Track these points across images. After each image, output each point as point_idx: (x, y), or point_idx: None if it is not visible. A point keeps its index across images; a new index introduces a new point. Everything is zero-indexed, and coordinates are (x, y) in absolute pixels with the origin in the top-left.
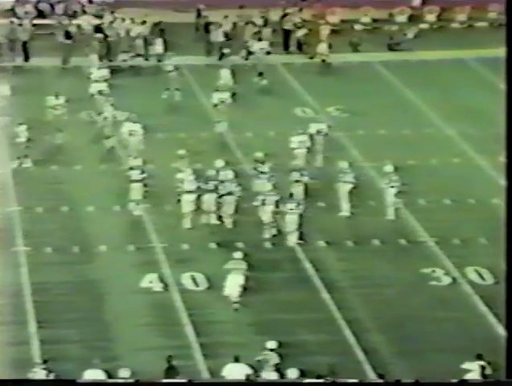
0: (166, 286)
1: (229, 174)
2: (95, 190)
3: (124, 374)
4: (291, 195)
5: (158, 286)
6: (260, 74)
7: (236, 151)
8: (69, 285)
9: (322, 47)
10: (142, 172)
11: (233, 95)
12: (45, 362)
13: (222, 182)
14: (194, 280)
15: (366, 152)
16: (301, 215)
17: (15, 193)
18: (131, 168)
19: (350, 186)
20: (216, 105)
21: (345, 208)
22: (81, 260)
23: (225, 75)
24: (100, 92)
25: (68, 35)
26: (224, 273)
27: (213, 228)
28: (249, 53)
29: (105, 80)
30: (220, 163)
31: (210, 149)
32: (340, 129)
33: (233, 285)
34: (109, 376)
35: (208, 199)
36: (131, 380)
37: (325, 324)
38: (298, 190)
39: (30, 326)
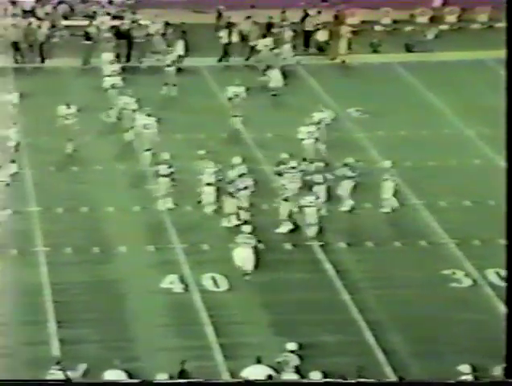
0: (186, 287)
1: (242, 169)
2: (115, 191)
3: (161, 377)
4: (311, 188)
5: (178, 287)
6: (265, 71)
7: (256, 151)
8: (89, 285)
9: (342, 48)
10: (170, 166)
11: (248, 90)
12: (58, 363)
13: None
14: (214, 281)
15: (386, 153)
16: (319, 210)
17: (35, 193)
18: (158, 163)
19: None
20: (230, 99)
21: (389, 203)
22: (101, 261)
23: (276, 75)
24: (113, 86)
25: (87, 36)
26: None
27: (234, 229)
28: (253, 50)
29: (119, 74)
30: (237, 160)
31: (229, 148)
32: (360, 130)
33: (242, 257)
34: (130, 377)
35: (229, 201)
36: (132, 380)
37: (345, 325)
38: (319, 189)
39: (50, 325)
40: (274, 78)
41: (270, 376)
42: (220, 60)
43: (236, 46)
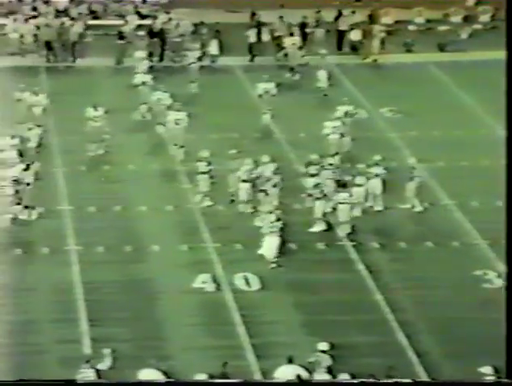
0: (218, 286)
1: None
2: (147, 190)
3: (200, 377)
4: (345, 185)
5: (210, 287)
6: (292, 69)
7: (287, 150)
8: (121, 284)
9: (374, 48)
10: (209, 164)
11: (278, 85)
12: (88, 361)
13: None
14: (247, 280)
15: (419, 153)
16: (352, 207)
17: (67, 192)
18: (199, 160)
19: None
20: (260, 96)
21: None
22: (133, 260)
23: (322, 75)
24: (143, 83)
25: (121, 36)
26: (276, 273)
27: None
28: (282, 49)
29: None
30: (265, 159)
31: (260, 147)
32: (393, 130)
33: (269, 246)
34: (167, 376)
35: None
36: (132, 380)
37: (377, 325)
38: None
39: (82, 324)
40: (322, 78)
41: (299, 376)
42: (251, 60)
43: (268, 45)
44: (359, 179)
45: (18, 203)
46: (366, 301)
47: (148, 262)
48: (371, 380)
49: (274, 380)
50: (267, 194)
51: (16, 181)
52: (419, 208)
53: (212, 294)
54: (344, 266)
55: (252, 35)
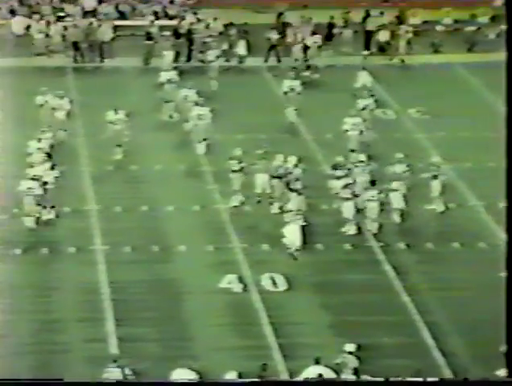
0: (245, 287)
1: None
2: (174, 190)
3: (231, 376)
4: (374, 182)
5: (237, 287)
6: (308, 67)
7: (316, 151)
8: (148, 283)
9: (402, 48)
10: (240, 162)
11: (304, 83)
12: (115, 361)
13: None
14: (273, 281)
15: (447, 153)
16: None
17: (94, 192)
18: (231, 158)
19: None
20: (286, 93)
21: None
22: (160, 260)
23: (363, 76)
24: (169, 81)
25: (148, 36)
26: (303, 273)
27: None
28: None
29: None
30: (293, 160)
31: (286, 147)
32: (421, 131)
33: (291, 234)
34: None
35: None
36: (132, 380)
37: (404, 327)
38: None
39: (108, 323)
40: (362, 78)
41: (320, 375)
42: (278, 61)
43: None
44: (395, 184)
45: (39, 204)
46: (393, 303)
47: (175, 262)
48: (371, 380)
49: (273, 380)
50: (300, 193)
51: (38, 180)
52: (441, 209)
53: (238, 295)
54: (371, 267)
55: (273, 37)
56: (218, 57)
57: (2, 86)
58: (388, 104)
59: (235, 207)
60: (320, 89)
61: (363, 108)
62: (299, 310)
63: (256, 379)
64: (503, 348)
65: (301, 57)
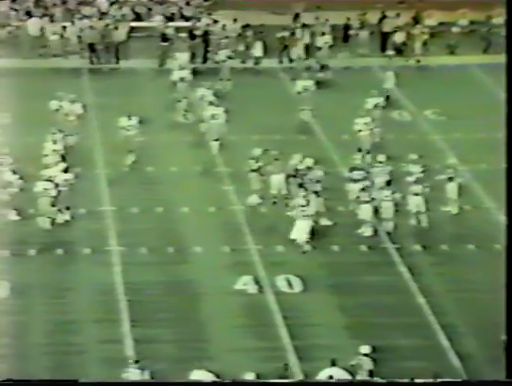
0: (261, 288)
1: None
2: (190, 192)
3: (249, 376)
4: (389, 182)
5: (253, 288)
6: (322, 67)
7: (332, 152)
8: (163, 285)
9: (417, 49)
10: (257, 161)
11: (318, 83)
12: (137, 362)
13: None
14: (289, 282)
15: (463, 155)
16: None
17: (109, 193)
18: (252, 158)
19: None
20: (299, 93)
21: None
22: (176, 261)
23: (390, 77)
24: (182, 79)
25: (164, 38)
26: (318, 275)
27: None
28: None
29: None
30: (309, 162)
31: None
32: (437, 132)
33: (300, 230)
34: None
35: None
36: (132, 380)
37: (420, 328)
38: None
39: (124, 324)
40: (389, 79)
41: (331, 377)
42: (290, 61)
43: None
44: (415, 188)
45: (54, 205)
46: (409, 304)
47: (190, 263)
48: (371, 380)
49: (273, 380)
50: (318, 195)
51: (53, 182)
52: (455, 210)
53: (254, 296)
54: (386, 269)
55: (286, 38)
56: (229, 57)
57: (17, 87)
58: (404, 106)
59: (252, 206)
60: (335, 90)
61: (374, 107)
62: (315, 311)
63: (256, 380)
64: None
65: (302, 56)
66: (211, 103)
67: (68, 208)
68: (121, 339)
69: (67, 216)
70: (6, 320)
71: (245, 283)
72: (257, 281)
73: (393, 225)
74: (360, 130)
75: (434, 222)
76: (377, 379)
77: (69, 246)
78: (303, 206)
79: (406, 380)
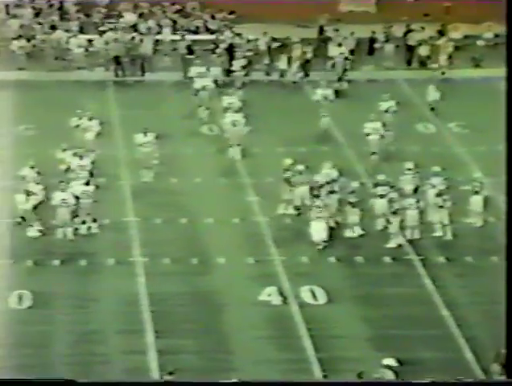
0: (285, 299)
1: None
2: (214, 203)
3: None
4: (416, 190)
5: (277, 299)
6: (339, 79)
7: (355, 163)
8: (187, 295)
9: (442, 61)
10: (288, 170)
11: (336, 92)
12: (171, 373)
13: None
14: (313, 293)
15: (486, 167)
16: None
17: (133, 204)
18: (286, 168)
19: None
20: (318, 101)
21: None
22: (200, 272)
23: (432, 90)
24: (204, 88)
25: (190, 50)
26: (343, 286)
27: (333, 242)
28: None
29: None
30: (327, 166)
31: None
32: (461, 145)
33: (318, 230)
34: None
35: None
36: (132, 381)
37: (444, 341)
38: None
39: (148, 335)
40: (431, 92)
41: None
42: (306, 75)
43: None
44: (438, 200)
45: (76, 216)
46: (433, 316)
47: (214, 274)
48: (371, 380)
49: (275, 380)
50: (354, 206)
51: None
52: (479, 223)
53: (278, 307)
54: (410, 280)
55: (309, 52)
56: (244, 67)
57: (42, 99)
58: (428, 118)
59: (281, 215)
60: (353, 100)
61: (386, 111)
62: (339, 322)
63: (257, 380)
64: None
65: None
66: (228, 109)
67: (94, 220)
68: (144, 350)
69: (93, 228)
70: (30, 330)
71: (269, 294)
72: (281, 293)
73: (418, 233)
74: (368, 134)
75: (458, 234)
76: (377, 379)
77: (93, 257)
78: (318, 207)
79: (406, 380)
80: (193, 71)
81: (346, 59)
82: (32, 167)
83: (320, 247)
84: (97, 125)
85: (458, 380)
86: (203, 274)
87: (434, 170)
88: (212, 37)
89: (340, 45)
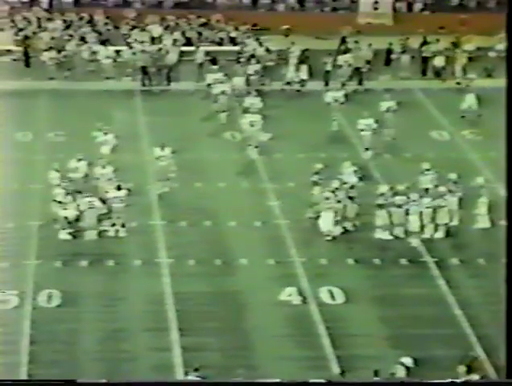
0: (304, 299)
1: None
2: (237, 207)
3: None
4: (427, 190)
5: (297, 299)
6: (343, 85)
7: (372, 169)
8: (210, 295)
9: (457, 72)
10: (317, 173)
11: (346, 96)
12: (196, 370)
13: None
14: (331, 294)
15: (498, 173)
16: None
17: (159, 208)
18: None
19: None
20: (329, 104)
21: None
22: (223, 273)
23: (470, 99)
24: (223, 93)
25: (213, 61)
26: (360, 287)
27: (352, 244)
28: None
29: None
30: (348, 166)
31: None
32: (474, 152)
33: (326, 221)
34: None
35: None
36: (132, 381)
37: (457, 340)
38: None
39: (173, 333)
40: (469, 101)
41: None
42: (326, 84)
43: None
44: (447, 201)
45: (109, 218)
46: (447, 316)
47: (237, 275)
48: (371, 381)
49: (273, 380)
50: (382, 207)
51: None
52: (487, 225)
53: (298, 307)
54: (425, 282)
55: (329, 63)
56: (257, 72)
57: (72, 107)
58: (443, 126)
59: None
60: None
61: (387, 110)
62: (357, 322)
63: (258, 380)
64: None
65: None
66: (248, 109)
67: (123, 225)
68: (169, 347)
69: (121, 232)
70: (60, 327)
71: (289, 294)
72: (300, 293)
73: (433, 231)
74: (362, 130)
75: (471, 236)
76: (377, 379)
77: (120, 258)
78: (327, 199)
79: (407, 381)
80: (209, 77)
81: (350, 66)
82: (57, 171)
83: (329, 238)
84: (112, 139)
85: (458, 380)
86: (226, 275)
87: (449, 176)
88: (236, 48)
89: (344, 53)
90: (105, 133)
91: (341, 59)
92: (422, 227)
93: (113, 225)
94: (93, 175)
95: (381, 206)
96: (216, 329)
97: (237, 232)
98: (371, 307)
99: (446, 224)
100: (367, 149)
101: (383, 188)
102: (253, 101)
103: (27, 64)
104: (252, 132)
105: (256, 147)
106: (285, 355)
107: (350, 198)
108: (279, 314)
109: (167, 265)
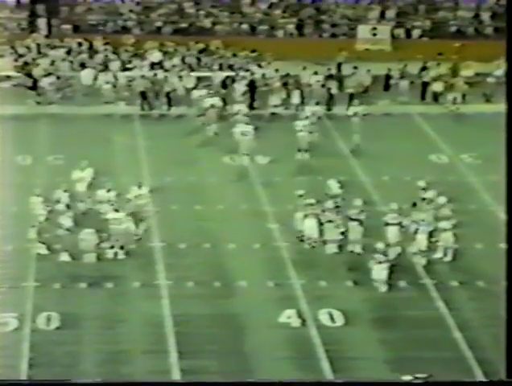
0: (303, 322)
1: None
2: (236, 229)
3: None
4: (415, 204)
5: (296, 322)
6: (317, 103)
7: (372, 192)
8: (210, 317)
9: (456, 98)
10: (335, 198)
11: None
12: None
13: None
14: (331, 316)
15: (498, 196)
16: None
17: (159, 230)
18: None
19: None
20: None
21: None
22: (222, 295)
23: None
24: (212, 106)
25: (224, 85)
26: (360, 309)
27: (351, 264)
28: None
29: None
30: (358, 202)
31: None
32: (473, 175)
33: (309, 227)
34: None
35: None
36: (131, 381)
37: (457, 363)
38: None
39: (172, 355)
40: None
41: None
42: (328, 110)
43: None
44: (445, 224)
45: (100, 242)
46: (446, 339)
47: (236, 297)
48: (371, 381)
49: (274, 380)
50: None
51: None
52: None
53: (297, 329)
54: (425, 304)
55: (333, 87)
56: (243, 94)
57: (71, 131)
58: (442, 150)
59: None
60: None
61: (312, 115)
62: (356, 344)
63: (256, 380)
64: None
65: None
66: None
67: (122, 247)
68: (169, 370)
69: (121, 254)
70: (59, 350)
71: (288, 316)
72: (300, 315)
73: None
74: (300, 130)
75: (470, 258)
76: (377, 379)
77: (119, 280)
78: (311, 204)
79: (407, 380)
80: (195, 94)
81: (323, 86)
82: (38, 196)
83: (313, 245)
84: (89, 175)
85: (458, 381)
86: (225, 297)
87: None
88: (232, 73)
89: (316, 73)
90: (82, 170)
91: (313, 78)
92: (428, 247)
93: (112, 247)
94: (95, 198)
95: (392, 225)
96: (215, 351)
97: (237, 254)
98: (371, 330)
99: (451, 247)
100: (305, 150)
101: (358, 202)
102: (244, 129)
103: (33, 87)
104: (243, 141)
105: (247, 155)
106: (284, 378)
107: (355, 220)
108: (278, 337)
109: (166, 287)
